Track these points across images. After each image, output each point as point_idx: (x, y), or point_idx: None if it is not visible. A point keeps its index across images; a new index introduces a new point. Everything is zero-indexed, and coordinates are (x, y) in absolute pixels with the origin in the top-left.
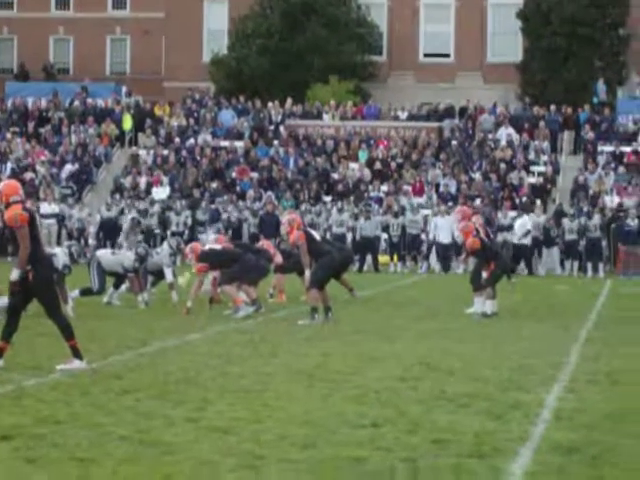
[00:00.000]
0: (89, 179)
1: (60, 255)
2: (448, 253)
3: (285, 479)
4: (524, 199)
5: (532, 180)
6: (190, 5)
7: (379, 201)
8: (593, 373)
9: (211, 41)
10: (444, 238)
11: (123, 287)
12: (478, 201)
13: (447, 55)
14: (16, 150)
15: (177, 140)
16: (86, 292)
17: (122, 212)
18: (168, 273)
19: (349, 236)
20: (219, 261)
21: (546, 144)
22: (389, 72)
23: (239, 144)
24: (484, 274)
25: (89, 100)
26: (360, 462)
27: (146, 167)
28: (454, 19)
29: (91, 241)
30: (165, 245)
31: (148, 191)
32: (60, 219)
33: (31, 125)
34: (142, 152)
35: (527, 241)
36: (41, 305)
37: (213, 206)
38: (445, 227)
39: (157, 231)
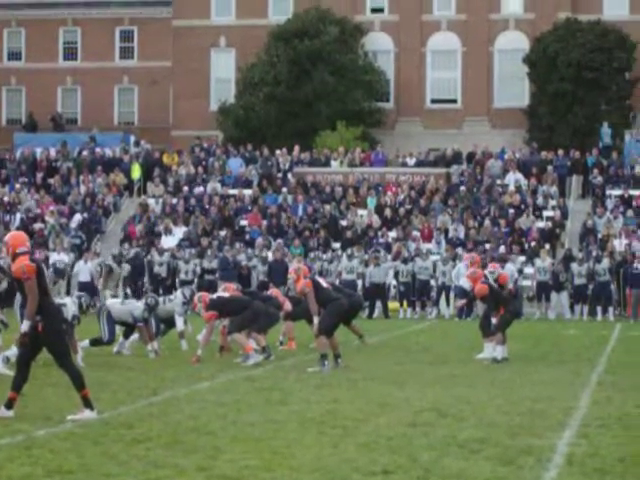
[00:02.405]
0: (98, 229)
1: (69, 305)
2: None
3: None
4: (533, 244)
5: (541, 225)
6: (197, 54)
7: (388, 247)
8: (604, 418)
9: (218, 90)
10: (465, 283)
11: (135, 336)
12: (487, 246)
13: (454, 101)
14: (25, 201)
15: (185, 188)
16: (96, 342)
17: (120, 261)
18: (179, 321)
19: (359, 283)
20: (228, 309)
21: (554, 188)
22: (396, 118)
23: (247, 192)
24: (494, 320)
25: (97, 150)
26: None
27: (155, 216)
28: (461, 65)
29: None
30: (178, 293)
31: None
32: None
33: (40, 175)
34: (151, 201)
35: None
36: (52, 355)
37: (222, 254)
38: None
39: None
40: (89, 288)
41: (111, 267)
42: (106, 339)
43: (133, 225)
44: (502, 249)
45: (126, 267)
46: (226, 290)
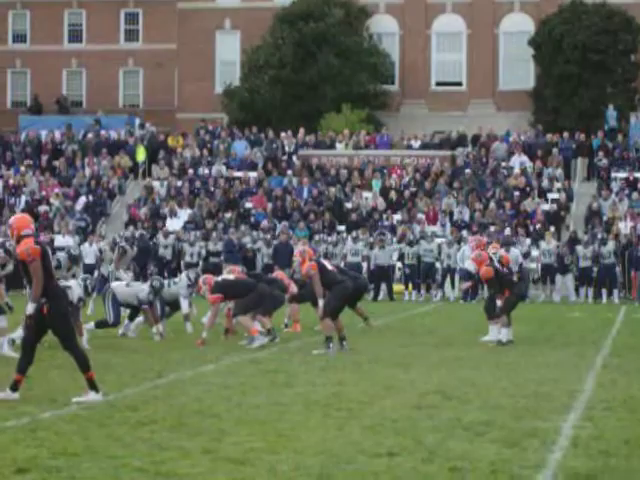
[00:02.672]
0: (103, 211)
1: (75, 288)
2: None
3: None
4: (538, 226)
5: (546, 207)
6: (202, 37)
7: (393, 230)
8: (609, 400)
9: (223, 72)
10: (470, 265)
11: (140, 319)
12: (492, 228)
13: (459, 83)
14: (30, 183)
15: (190, 171)
16: (101, 324)
17: (132, 243)
18: (184, 304)
19: (364, 265)
20: (233, 291)
21: (559, 171)
22: (401, 101)
23: (252, 174)
24: (498, 302)
25: (102, 132)
26: None
27: (160, 198)
28: (466, 47)
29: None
30: (183, 276)
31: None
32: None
33: (45, 158)
34: (156, 183)
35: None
36: (57, 338)
37: (226, 237)
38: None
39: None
40: (94, 271)
41: (124, 248)
42: (111, 321)
43: (136, 208)
44: (507, 232)
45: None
46: (231, 273)
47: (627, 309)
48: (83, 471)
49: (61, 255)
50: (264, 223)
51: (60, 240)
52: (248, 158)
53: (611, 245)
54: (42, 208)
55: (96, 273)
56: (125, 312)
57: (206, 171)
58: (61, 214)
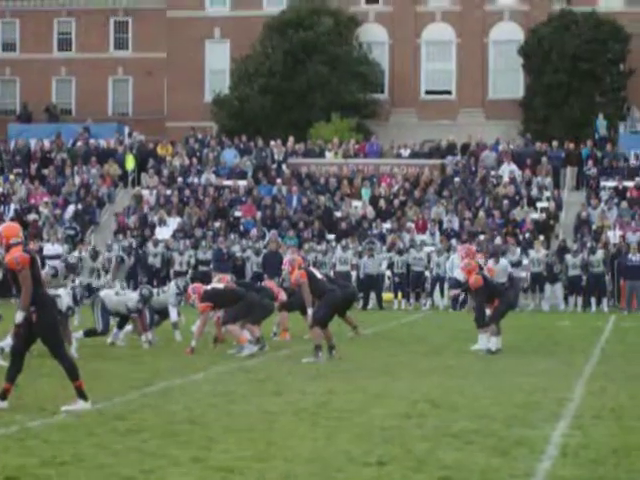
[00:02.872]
0: (92, 219)
1: (63, 296)
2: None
3: None
4: (527, 235)
5: (535, 216)
6: (192, 45)
7: (382, 238)
8: (598, 409)
9: (213, 81)
10: (459, 274)
11: (129, 327)
12: (482, 237)
13: (449, 92)
14: (19, 191)
15: (180, 180)
16: (90, 333)
17: (130, 252)
18: (173, 312)
19: (353, 274)
20: (222, 300)
21: (549, 180)
22: (391, 109)
23: (242, 183)
24: (488, 311)
25: (92, 141)
26: None
27: (149, 207)
28: (455, 56)
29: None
30: (172, 284)
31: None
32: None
33: (34, 166)
34: (145, 192)
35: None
36: (45, 346)
37: (216, 245)
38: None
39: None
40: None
41: (122, 258)
42: (100, 330)
43: (124, 217)
44: (498, 241)
45: (131, 259)
46: (220, 281)
47: (616, 318)
48: (72, 479)
49: (57, 263)
50: (253, 232)
51: (49, 248)
52: (237, 167)
53: (600, 254)
54: (31, 216)
55: (77, 281)
56: (114, 321)
57: (195, 180)
58: (50, 222)
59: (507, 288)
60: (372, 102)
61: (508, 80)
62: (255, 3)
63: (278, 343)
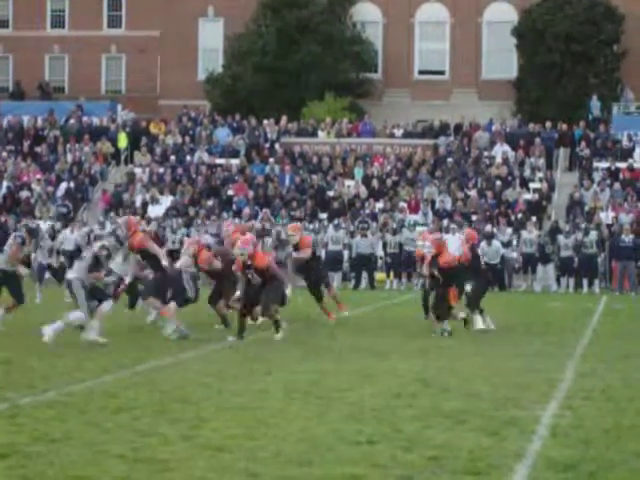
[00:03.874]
0: (84, 197)
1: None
2: None
3: None
4: (520, 216)
5: (528, 197)
6: (185, 24)
7: (374, 218)
8: (589, 389)
9: (206, 59)
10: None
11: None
12: (474, 218)
13: (442, 72)
14: (12, 169)
15: (173, 158)
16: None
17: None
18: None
19: (345, 253)
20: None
21: (541, 161)
22: (384, 89)
23: (235, 162)
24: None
25: (84, 118)
26: (356, 479)
27: (141, 185)
28: (449, 36)
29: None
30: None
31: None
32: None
33: (27, 144)
34: (138, 170)
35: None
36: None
37: (209, 223)
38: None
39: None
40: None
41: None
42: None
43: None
44: (488, 228)
45: None
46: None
47: (608, 299)
48: (62, 457)
49: (18, 233)
50: (246, 210)
51: (42, 226)
52: (230, 145)
53: (594, 235)
54: (24, 194)
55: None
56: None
57: (188, 158)
58: (42, 200)
59: (479, 271)
60: (365, 82)
61: (501, 60)
62: None
63: (268, 323)
